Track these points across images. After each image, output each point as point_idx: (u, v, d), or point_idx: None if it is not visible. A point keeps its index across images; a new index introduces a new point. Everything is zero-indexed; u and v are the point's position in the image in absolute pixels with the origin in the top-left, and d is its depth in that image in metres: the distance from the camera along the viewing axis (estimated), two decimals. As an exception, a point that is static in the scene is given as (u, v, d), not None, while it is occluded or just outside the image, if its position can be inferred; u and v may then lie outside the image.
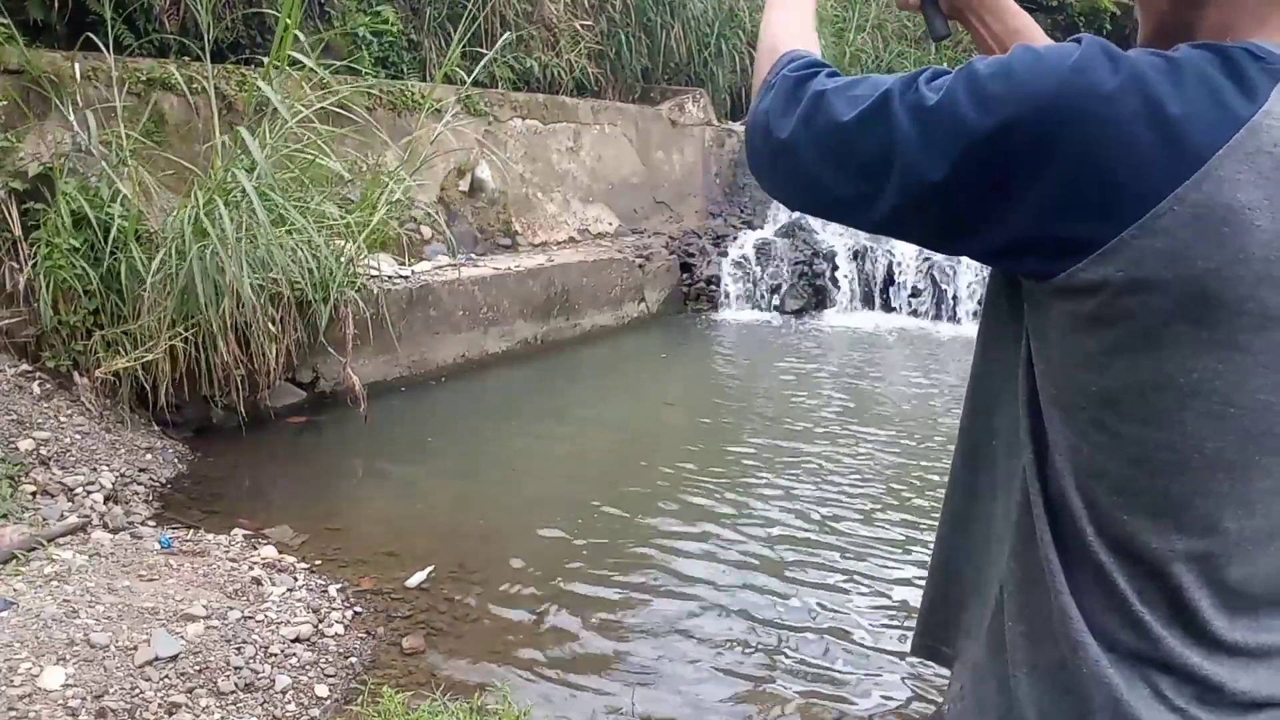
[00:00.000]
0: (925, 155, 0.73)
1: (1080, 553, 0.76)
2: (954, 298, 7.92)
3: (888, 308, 8.06)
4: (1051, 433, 0.77)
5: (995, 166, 0.71)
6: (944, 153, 0.72)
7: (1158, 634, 0.74)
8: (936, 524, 1.00)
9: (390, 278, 5.32)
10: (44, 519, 3.34)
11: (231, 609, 2.86)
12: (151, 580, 2.99)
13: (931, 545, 1.01)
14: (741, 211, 9.02)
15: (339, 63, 5.82)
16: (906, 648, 2.87)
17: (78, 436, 3.88)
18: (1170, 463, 0.72)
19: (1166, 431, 0.71)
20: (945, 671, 0.99)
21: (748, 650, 2.93)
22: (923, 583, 1.02)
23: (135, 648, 2.58)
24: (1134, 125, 0.67)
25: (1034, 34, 1.15)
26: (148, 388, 4.19)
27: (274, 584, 3.08)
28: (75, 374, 4.11)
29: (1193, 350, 0.68)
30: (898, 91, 0.76)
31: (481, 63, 6.02)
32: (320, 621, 2.91)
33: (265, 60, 4.95)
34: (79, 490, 3.59)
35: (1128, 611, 0.75)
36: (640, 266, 7.44)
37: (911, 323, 7.89)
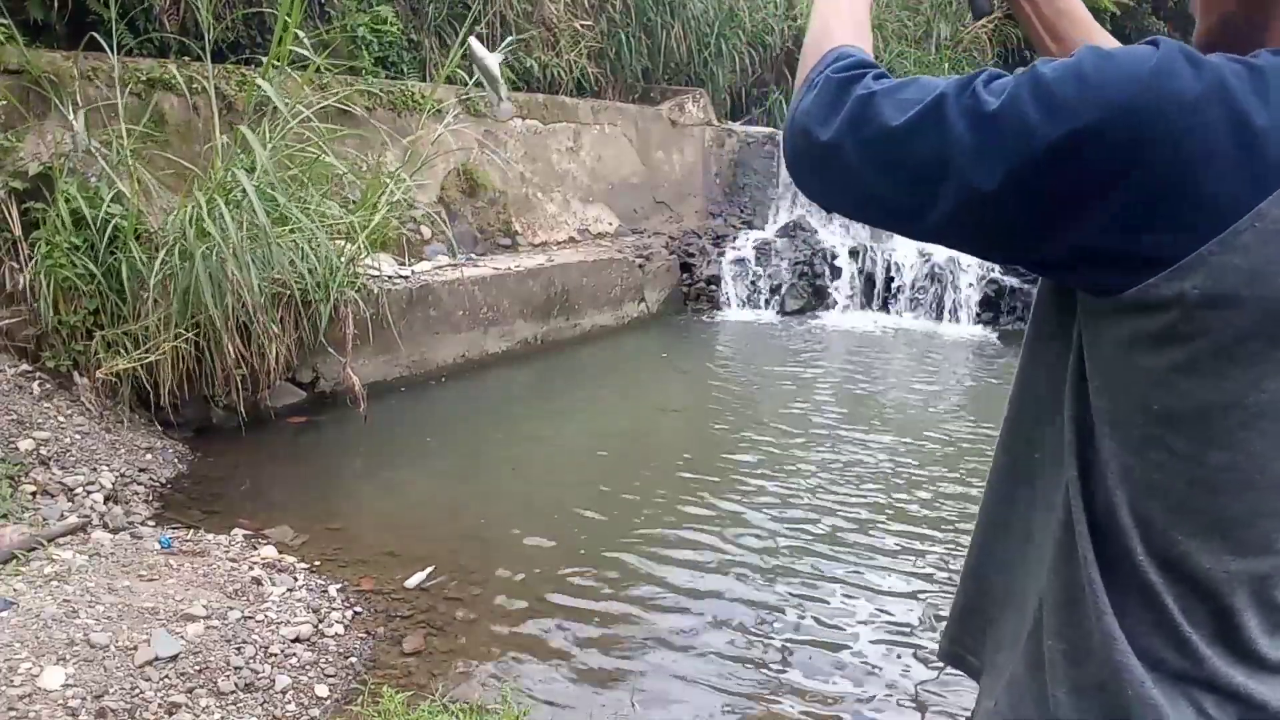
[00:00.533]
0: (984, 164, 0.70)
1: (1127, 572, 0.74)
2: (954, 298, 7.92)
3: (888, 308, 8.07)
4: (1103, 449, 0.74)
5: (1063, 176, 0.68)
6: (1006, 162, 0.69)
7: (1202, 653, 0.73)
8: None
9: (390, 278, 5.32)
10: (44, 519, 3.34)
11: (231, 609, 2.86)
12: (151, 580, 2.99)
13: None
14: (741, 211, 9.02)
15: (339, 62, 5.82)
16: (909, 664, 2.84)
17: (78, 436, 3.88)
18: (1232, 483, 0.70)
19: (1231, 452, 0.69)
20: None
21: (746, 655, 2.92)
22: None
23: (135, 648, 2.58)
24: (1216, 136, 0.64)
25: (1084, 18, 1.10)
26: (149, 388, 4.19)
27: (274, 584, 3.08)
28: (75, 374, 4.12)
29: (1267, 370, 0.66)
30: (953, 95, 0.73)
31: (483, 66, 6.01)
32: (320, 622, 2.91)
33: (265, 60, 4.95)
34: (79, 490, 3.59)
35: (1174, 631, 0.73)
36: (640, 266, 7.44)
37: (911, 323, 7.89)
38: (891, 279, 8.06)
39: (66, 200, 4.08)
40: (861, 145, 0.77)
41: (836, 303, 8.10)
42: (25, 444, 3.68)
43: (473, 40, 3.41)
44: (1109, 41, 1.10)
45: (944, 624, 1.01)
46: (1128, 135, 0.65)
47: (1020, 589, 0.86)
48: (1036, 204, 0.70)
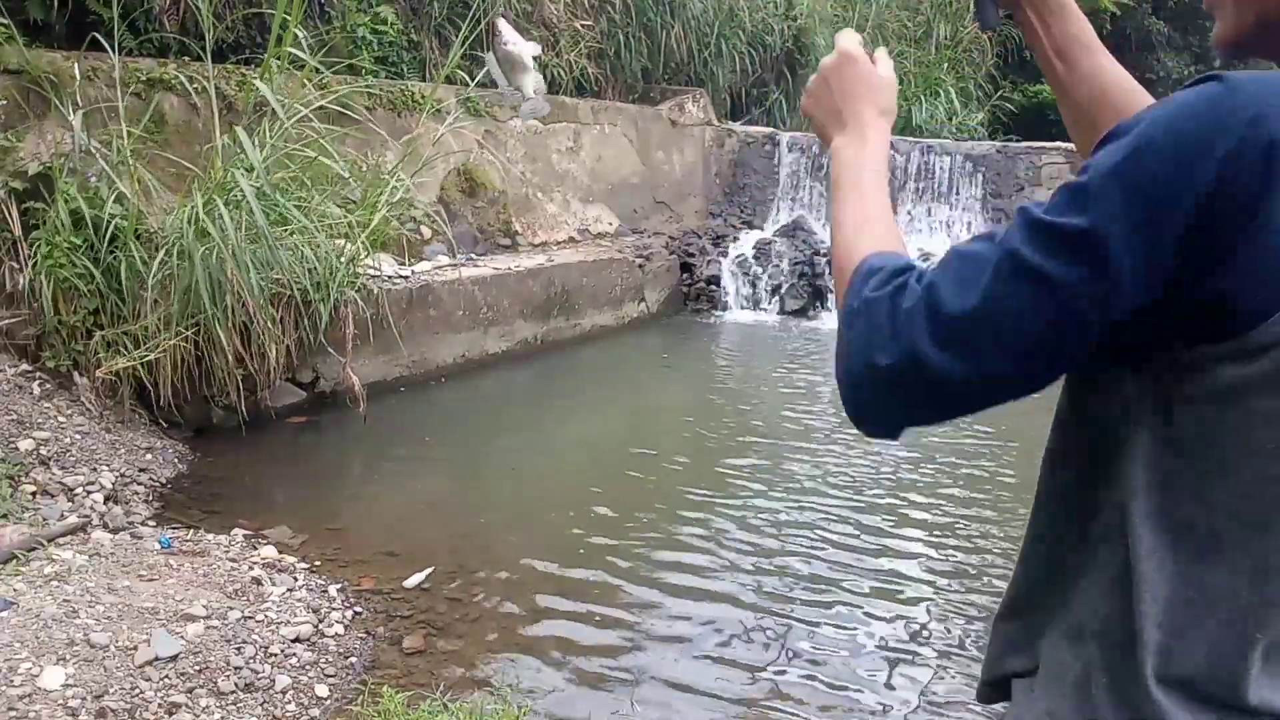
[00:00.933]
0: (1102, 287, 0.66)
1: (1197, 607, 0.72)
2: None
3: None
4: (1201, 494, 0.71)
5: (1191, 254, 0.64)
6: (1125, 274, 0.65)
7: (1261, 685, 0.72)
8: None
9: (390, 278, 5.32)
10: (44, 519, 3.34)
11: (231, 609, 2.86)
12: (151, 580, 2.99)
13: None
14: (741, 211, 9.03)
15: (339, 60, 5.82)
16: (910, 675, 2.80)
17: (78, 436, 3.88)
18: None
19: None
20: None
21: (745, 660, 2.92)
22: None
23: (135, 648, 2.58)
24: None
25: (1095, 44, 1.08)
26: (149, 387, 4.19)
27: (274, 584, 3.08)
28: (75, 374, 4.12)
29: None
30: (1021, 242, 0.69)
31: (483, 72, 5.99)
32: (320, 621, 2.91)
33: (265, 60, 4.95)
34: (79, 490, 3.59)
35: (1245, 668, 0.72)
36: (640, 266, 7.44)
37: (911, 323, 7.87)
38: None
39: (66, 200, 4.08)
40: (940, 345, 0.71)
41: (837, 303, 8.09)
42: (25, 444, 3.68)
43: (501, 22, 3.07)
44: (1121, 70, 1.08)
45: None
46: (1249, 173, 0.63)
47: (1072, 624, 0.83)
48: (1167, 291, 0.66)
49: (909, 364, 0.72)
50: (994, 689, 0.93)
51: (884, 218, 0.87)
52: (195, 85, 4.95)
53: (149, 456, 4.04)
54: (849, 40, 0.99)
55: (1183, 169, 0.64)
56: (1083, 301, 0.67)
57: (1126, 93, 1.07)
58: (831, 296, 8.06)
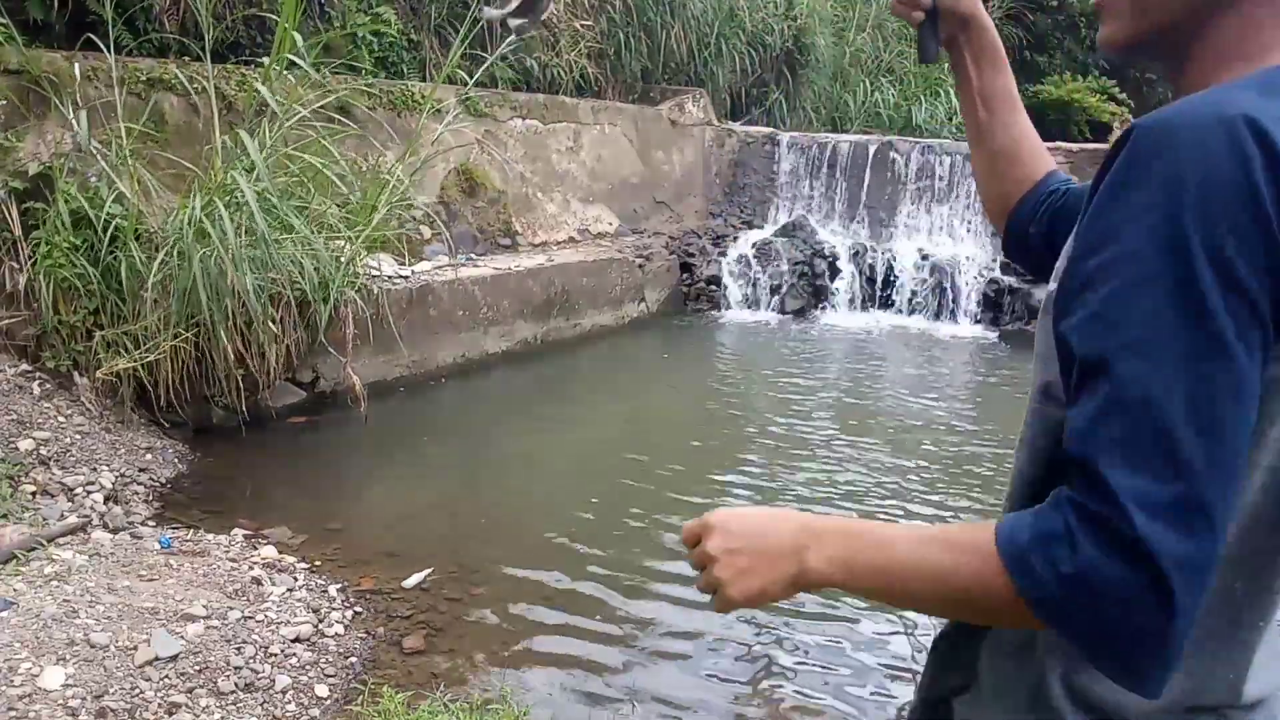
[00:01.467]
0: (1250, 358, 0.64)
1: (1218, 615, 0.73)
2: (953, 297, 7.92)
3: (887, 307, 8.07)
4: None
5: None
6: (1232, 339, 0.64)
7: (1258, 679, 0.74)
8: None
9: (390, 278, 5.32)
10: (44, 519, 3.34)
11: (231, 609, 2.86)
12: (151, 580, 2.99)
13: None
14: (741, 211, 9.02)
15: (339, 61, 5.81)
16: (907, 688, 2.79)
17: (78, 436, 3.88)
18: None
19: None
20: None
21: (745, 659, 2.92)
22: (925, 629, 0.95)
23: (135, 648, 2.58)
24: None
25: (1015, 98, 1.12)
26: (149, 388, 4.19)
27: (274, 584, 3.08)
28: (75, 374, 4.12)
29: None
30: (1140, 377, 0.64)
31: (484, 66, 6.01)
32: (320, 621, 2.91)
33: (265, 61, 4.94)
34: (79, 490, 3.59)
35: (1248, 661, 0.73)
36: (640, 266, 7.44)
37: (911, 322, 7.89)
38: (891, 279, 8.06)
39: (66, 200, 4.08)
40: (1185, 534, 0.62)
41: (836, 303, 8.10)
42: (25, 444, 3.68)
43: None
44: (1034, 130, 1.13)
45: (908, 672, 0.96)
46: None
47: (1016, 638, 0.81)
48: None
49: (1186, 585, 0.62)
50: (928, 708, 0.92)
51: (938, 532, 0.76)
52: (195, 85, 4.95)
53: (149, 456, 4.04)
54: (707, 516, 0.85)
55: (1249, 204, 0.63)
56: (1230, 391, 0.64)
57: (1034, 151, 1.13)
58: (832, 295, 8.07)
